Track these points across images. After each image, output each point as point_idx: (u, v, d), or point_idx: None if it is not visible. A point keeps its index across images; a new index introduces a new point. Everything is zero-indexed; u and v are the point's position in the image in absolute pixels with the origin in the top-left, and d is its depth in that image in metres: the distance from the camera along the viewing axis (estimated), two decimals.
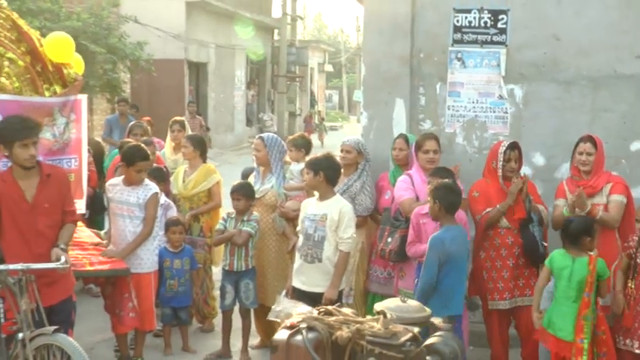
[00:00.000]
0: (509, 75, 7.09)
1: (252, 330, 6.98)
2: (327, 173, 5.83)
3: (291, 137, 7.94)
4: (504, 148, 6.17)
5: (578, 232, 5.41)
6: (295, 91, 31.86)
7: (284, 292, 5.68)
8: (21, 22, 5.70)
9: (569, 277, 5.36)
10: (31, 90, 5.69)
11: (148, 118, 11.47)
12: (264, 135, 7.19)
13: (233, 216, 6.72)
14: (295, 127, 29.39)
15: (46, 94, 5.71)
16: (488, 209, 6.13)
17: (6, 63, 5.58)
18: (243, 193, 6.66)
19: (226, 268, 6.74)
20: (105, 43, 18.06)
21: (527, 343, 6.16)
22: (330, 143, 19.02)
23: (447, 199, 5.58)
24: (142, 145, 6.80)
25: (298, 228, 6.06)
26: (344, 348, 3.26)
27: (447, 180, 5.77)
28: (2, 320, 5.06)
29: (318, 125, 33.87)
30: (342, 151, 6.79)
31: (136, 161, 6.34)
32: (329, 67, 51.39)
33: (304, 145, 7.61)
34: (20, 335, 4.81)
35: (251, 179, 7.14)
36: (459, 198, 5.72)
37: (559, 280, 5.44)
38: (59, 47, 5.79)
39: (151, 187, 6.49)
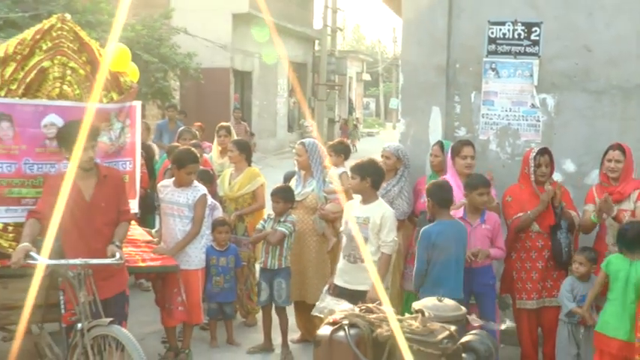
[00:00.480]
0: (542, 85, 7.04)
1: (292, 325, 7.03)
2: (373, 179, 5.86)
3: (330, 143, 7.96)
4: (534, 154, 6.19)
5: (633, 238, 5.43)
6: (334, 98, 31.84)
7: (326, 289, 5.69)
8: (82, 34, 5.78)
9: (626, 279, 5.38)
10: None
11: (199, 123, 11.57)
12: (305, 140, 7.22)
13: (272, 217, 6.76)
14: (334, 133, 29.41)
15: (104, 100, 5.79)
16: (520, 214, 6.14)
17: (68, 72, 5.66)
18: (283, 196, 6.70)
19: (261, 265, 6.80)
20: (157, 53, 18.30)
21: (549, 341, 6.21)
22: (366, 148, 18.99)
23: (438, 195, 5.77)
24: (192, 148, 6.89)
25: (342, 228, 6.07)
26: (384, 344, 3.26)
27: (439, 179, 6.09)
28: (63, 311, 5.21)
29: (351, 132, 33.86)
30: (382, 156, 6.80)
31: (186, 164, 6.42)
32: (366, 76, 51.30)
33: (343, 150, 7.65)
34: (79, 325, 4.88)
35: (292, 183, 7.17)
36: (450, 194, 5.85)
37: (615, 282, 5.45)
38: (117, 57, 5.87)
39: (200, 188, 6.56)
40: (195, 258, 6.51)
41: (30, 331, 5.30)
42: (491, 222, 6.01)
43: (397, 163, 6.83)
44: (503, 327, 4.73)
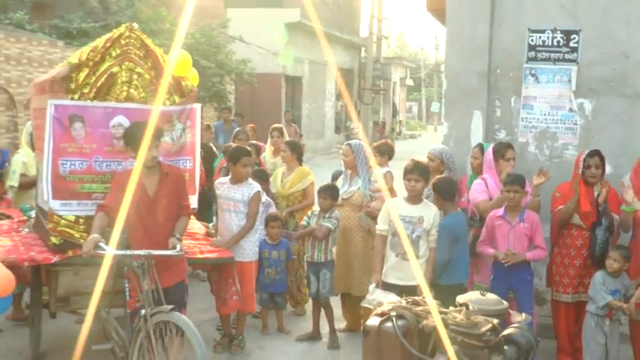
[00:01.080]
0: (580, 90, 6.96)
1: (339, 315, 7.03)
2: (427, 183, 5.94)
3: (375, 144, 7.96)
4: (584, 156, 6.13)
5: None
6: (379, 102, 31.79)
7: (374, 284, 5.67)
8: (148, 42, 5.85)
9: None
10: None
11: (252, 125, 11.66)
12: (352, 142, 7.22)
13: (316, 213, 6.78)
14: (378, 135, 29.37)
15: (167, 103, 5.86)
16: (560, 207, 6.10)
17: (135, 76, 5.74)
18: (330, 193, 6.71)
19: (308, 259, 6.81)
20: (214, 59, 18.49)
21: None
22: (409, 150, 18.96)
23: (444, 190, 5.96)
24: (245, 145, 6.98)
25: (384, 227, 5.97)
26: (429, 335, 3.25)
27: (443, 175, 6.30)
28: (128, 298, 5.29)
29: (389, 134, 33.75)
30: (427, 158, 6.77)
31: (241, 157, 6.49)
32: (409, 82, 51.02)
33: (387, 151, 7.65)
34: (143, 312, 4.93)
35: (339, 181, 7.18)
36: (454, 187, 6.13)
37: None
38: (179, 63, 5.93)
39: (254, 186, 6.61)
40: (249, 251, 6.56)
41: (98, 315, 5.38)
42: (530, 221, 5.93)
43: (441, 165, 6.79)
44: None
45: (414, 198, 5.90)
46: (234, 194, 6.53)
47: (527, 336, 3.41)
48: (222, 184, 6.66)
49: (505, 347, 3.30)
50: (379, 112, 31.99)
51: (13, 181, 7.53)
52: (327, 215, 6.70)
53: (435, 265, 5.83)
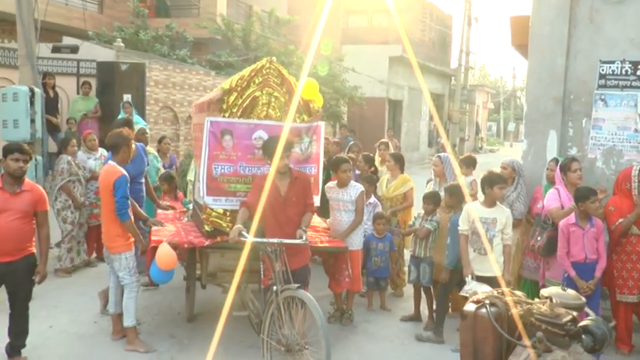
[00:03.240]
0: None
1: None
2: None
3: (461, 157, 7.78)
4: (636, 171, 5.77)
5: None
6: (465, 122, 31.10)
7: (470, 276, 5.48)
8: (284, 71, 5.88)
9: None
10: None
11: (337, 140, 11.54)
12: (441, 154, 7.04)
13: (421, 215, 6.63)
14: (464, 149, 28.71)
15: (297, 120, 5.88)
16: (621, 220, 5.73)
17: (272, 99, 5.79)
18: (432, 200, 6.53)
19: (411, 252, 6.67)
20: (332, 86, 18.63)
21: None
22: (489, 161, 18.52)
23: (455, 194, 6.21)
24: (343, 156, 7.05)
25: (465, 227, 5.75)
26: (517, 322, 3.13)
27: (456, 183, 6.39)
28: (262, 276, 5.34)
29: (474, 148, 32.91)
30: (501, 168, 6.57)
31: (340, 164, 6.44)
32: (490, 105, 49.69)
33: (472, 163, 7.47)
34: (274, 288, 4.96)
35: (430, 187, 7.02)
36: (460, 192, 6.24)
37: None
38: (308, 88, 5.95)
39: (358, 186, 6.53)
40: (357, 241, 6.48)
41: (239, 288, 5.47)
42: (598, 226, 5.66)
43: (513, 172, 6.55)
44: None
45: (491, 202, 5.67)
46: (342, 196, 6.47)
47: (602, 328, 3.17)
48: (331, 189, 6.59)
49: (583, 336, 3.09)
50: (465, 130, 31.28)
51: (191, 175, 7.89)
52: (429, 218, 6.52)
53: (455, 255, 5.86)
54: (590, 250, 5.61)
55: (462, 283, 5.58)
